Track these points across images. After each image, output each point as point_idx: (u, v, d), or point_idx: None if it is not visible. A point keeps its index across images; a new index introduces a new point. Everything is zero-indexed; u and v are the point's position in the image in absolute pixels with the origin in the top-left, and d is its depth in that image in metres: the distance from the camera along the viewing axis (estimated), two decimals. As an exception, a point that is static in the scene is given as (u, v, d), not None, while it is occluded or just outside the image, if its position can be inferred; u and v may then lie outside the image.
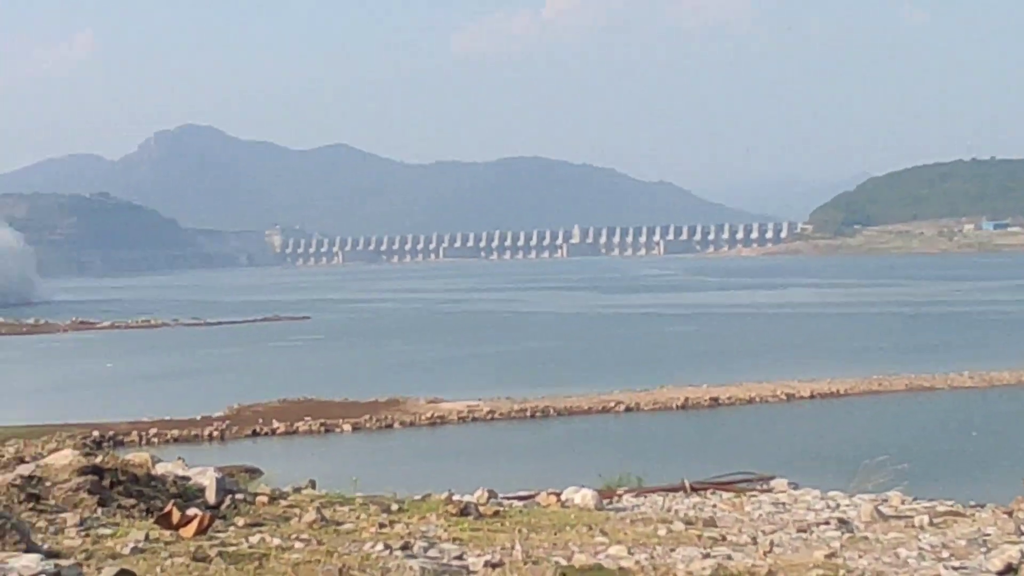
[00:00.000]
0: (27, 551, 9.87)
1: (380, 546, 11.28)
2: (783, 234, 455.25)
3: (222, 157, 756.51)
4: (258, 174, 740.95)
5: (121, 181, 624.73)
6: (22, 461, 14.04)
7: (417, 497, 16.12)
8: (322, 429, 56.75)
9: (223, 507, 13.14)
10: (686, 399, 62.70)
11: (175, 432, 54.75)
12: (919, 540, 12.95)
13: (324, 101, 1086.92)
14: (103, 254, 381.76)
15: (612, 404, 61.30)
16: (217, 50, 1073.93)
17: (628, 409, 60.57)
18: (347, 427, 57.05)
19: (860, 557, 11.57)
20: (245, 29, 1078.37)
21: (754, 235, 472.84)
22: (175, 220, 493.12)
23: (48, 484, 12.57)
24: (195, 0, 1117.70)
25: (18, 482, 12.32)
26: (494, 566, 10.35)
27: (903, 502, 16.96)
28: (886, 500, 16.95)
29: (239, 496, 14.12)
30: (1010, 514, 16.49)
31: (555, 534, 13.13)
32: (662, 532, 13.60)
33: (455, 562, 10.73)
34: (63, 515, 11.60)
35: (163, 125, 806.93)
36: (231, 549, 10.59)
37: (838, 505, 16.47)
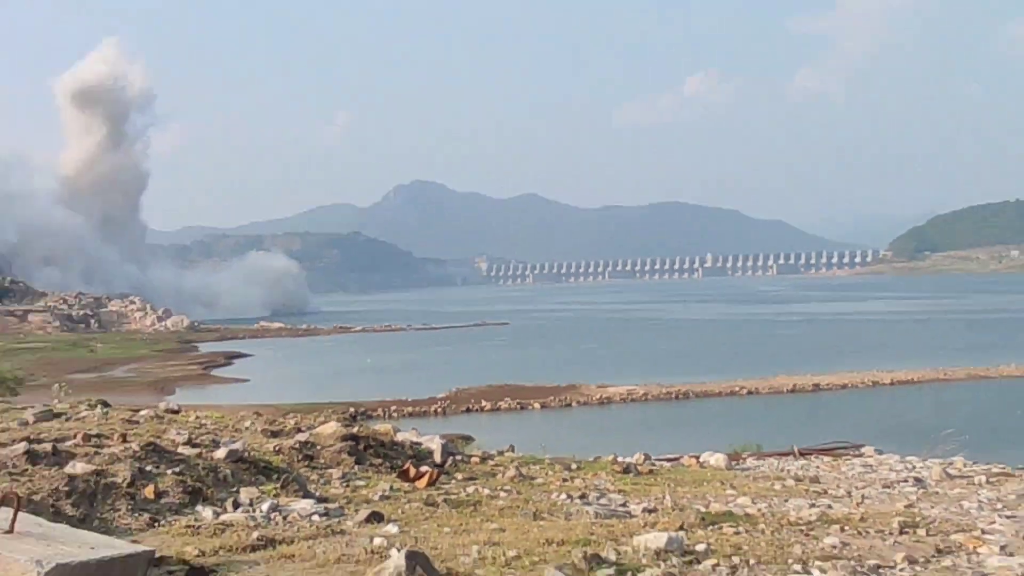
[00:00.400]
0: (304, 497, 10.17)
1: (564, 496, 11.32)
2: (868, 259, 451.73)
3: (444, 204, 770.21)
4: (470, 216, 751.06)
5: (370, 223, 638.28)
6: (299, 430, 14.45)
7: (590, 459, 16.12)
8: (518, 407, 57.34)
9: (446, 465, 13.24)
10: (794, 385, 62.45)
11: (410, 408, 56.01)
12: (978, 495, 12.66)
13: (518, 159, 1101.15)
14: (357, 277, 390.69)
15: (737, 389, 61.38)
16: (441, 122, 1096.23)
17: (749, 393, 60.47)
18: (537, 406, 57.54)
19: (932, 507, 11.30)
20: (459, 108, 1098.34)
21: (846, 260, 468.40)
22: (410, 252, 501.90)
23: (318, 448, 12.83)
24: (424, 90, 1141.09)
25: (296, 446, 12.68)
26: (650, 511, 10.31)
27: (965, 465, 16.52)
28: (952, 463, 16.54)
29: (458, 457, 14.22)
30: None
31: (695, 487, 12.98)
32: (777, 487, 13.33)
33: (620, 508, 10.71)
34: (329, 471, 11.83)
35: (401, 180, 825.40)
36: (453, 497, 10.70)
37: (914, 467, 16.16)
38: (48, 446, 10.55)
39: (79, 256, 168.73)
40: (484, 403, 57.54)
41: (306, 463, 12.10)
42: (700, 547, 7.79)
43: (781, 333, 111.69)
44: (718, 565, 7.30)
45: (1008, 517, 10.65)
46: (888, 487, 13.89)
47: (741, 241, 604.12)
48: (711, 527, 8.96)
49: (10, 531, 6.25)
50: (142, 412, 16.44)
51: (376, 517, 9.15)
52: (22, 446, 10.32)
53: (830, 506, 11.38)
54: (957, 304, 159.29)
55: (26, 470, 9.70)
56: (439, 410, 56.36)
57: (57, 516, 8.15)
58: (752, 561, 7.49)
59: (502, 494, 11.24)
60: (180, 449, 11.56)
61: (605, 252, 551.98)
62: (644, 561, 7.15)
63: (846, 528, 9.36)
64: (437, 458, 13.59)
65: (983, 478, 14.65)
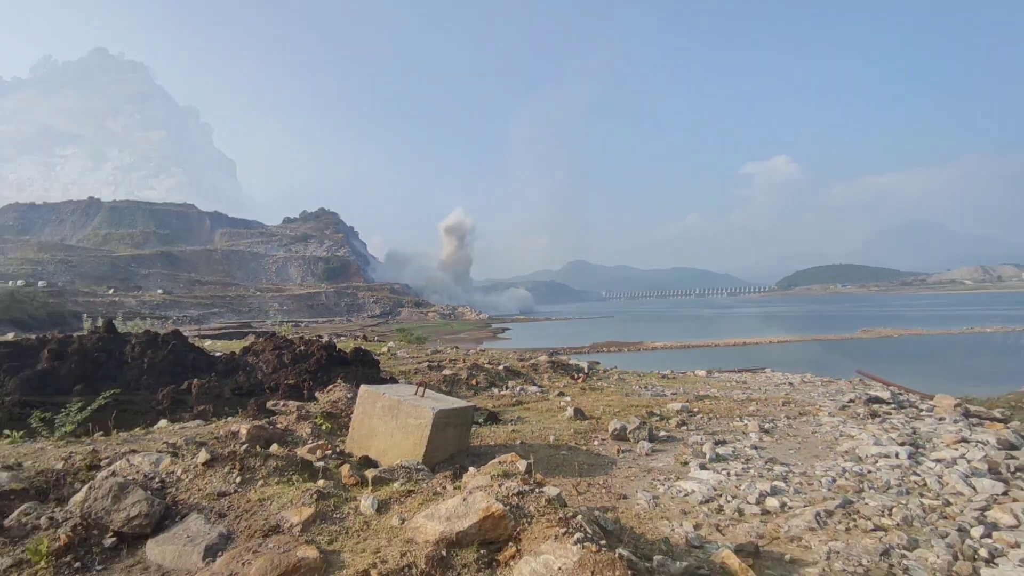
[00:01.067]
0: (531, 384, 24.15)
1: (636, 386, 24.06)
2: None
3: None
4: None
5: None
6: (531, 360, 31.64)
7: (652, 372, 33.73)
8: (625, 349, 77.81)
9: (590, 373, 29.28)
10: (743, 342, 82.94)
11: (574, 350, 77.92)
12: (818, 391, 25.10)
13: None
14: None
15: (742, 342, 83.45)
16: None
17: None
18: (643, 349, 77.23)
19: (797, 395, 23.69)
20: None
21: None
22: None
23: (538, 365, 27.79)
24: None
25: (530, 364, 26.49)
26: (674, 394, 22.91)
27: (812, 377, 29.28)
28: (805, 376, 29.38)
29: (595, 369, 30.77)
30: None
31: (692, 384, 25.28)
32: (728, 385, 25.70)
33: (661, 392, 23.40)
34: (542, 375, 27.46)
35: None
36: (591, 386, 23.97)
37: (788, 378, 28.76)
38: (435, 363, 26.07)
39: (446, 290, 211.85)
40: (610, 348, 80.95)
41: (532, 371, 26.77)
42: (695, 409, 20.07)
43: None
44: (702, 416, 19.40)
45: (831, 400, 21.98)
46: (776, 386, 25.67)
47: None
48: (699, 401, 21.35)
49: (422, 395, 14.51)
50: (470, 351, 32.77)
51: (561, 394, 22.60)
52: (426, 364, 26.33)
53: (751, 394, 23.39)
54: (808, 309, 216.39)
55: (427, 373, 24.58)
56: (588, 350, 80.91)
57: (439, 391, 21.99)
58: (718, 416, 19.54)
59: (611, 386, 24.47)
60: (485, 365, 26.77)
61: None
62: (671, 415, 19.39)
63: (758, 403, 21.22)
64: (585, 369, 27.56)
65: (819, 382, 26.77)
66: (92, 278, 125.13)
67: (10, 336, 34.81)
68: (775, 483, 12.87)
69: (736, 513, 11.82)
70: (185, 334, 27.24)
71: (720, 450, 15.09)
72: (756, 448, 15.40)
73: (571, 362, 29.39)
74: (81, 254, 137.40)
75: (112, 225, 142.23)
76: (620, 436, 16.39)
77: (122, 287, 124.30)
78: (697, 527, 11.28)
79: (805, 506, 11.96)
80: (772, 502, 12.10)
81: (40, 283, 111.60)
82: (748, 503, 12.12)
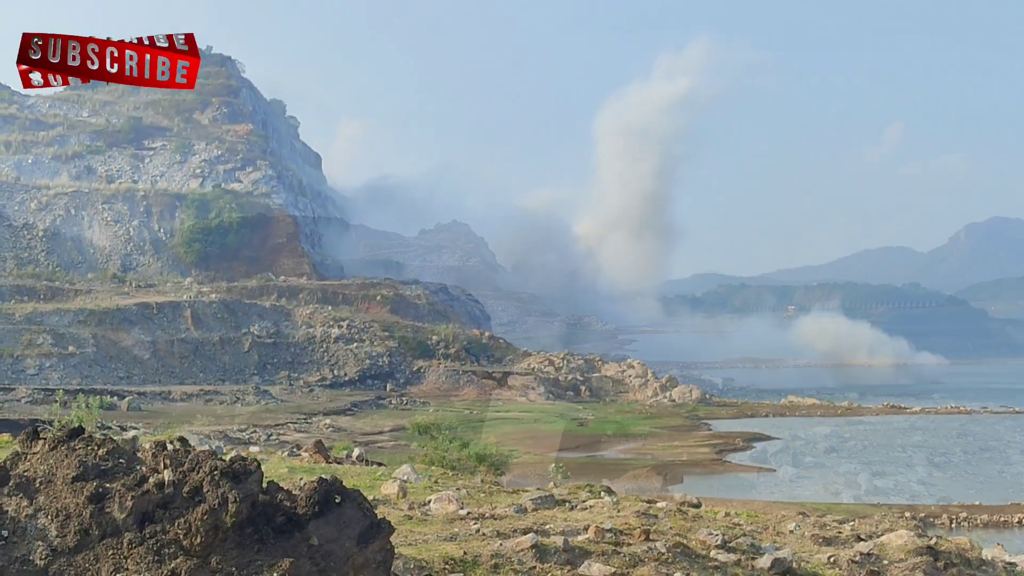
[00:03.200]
0: None
1: None
2: None
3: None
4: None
5: (931, 272, 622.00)
6: (859, 538, 14.33)
7: None
8: None
9: None
10: None
11: (984, 517, 52.32)
12: None
13: None
14: (914, 341, 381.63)
15: None
16: (1000, 144, 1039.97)
17: None
18: None
19: None
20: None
21: None
22: (985, 310, 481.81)
23: (885, 562, 13.06)
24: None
25: (857, 558, 12.91)
26: None
27: None
28: None
29: None
30: None
31: None
32: None
33: None
34: None
35: (974, 218, 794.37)
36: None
37: None
38: (558, 540, 11.86)
39: (572, 298, 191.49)
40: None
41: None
42: None
43: None
44: None
45: None
46: None
47: None
48: None
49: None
50: (659, 504, 16.15)
51: None
52: (528, 539, 11.75)
53: None
54: None
55: (534, 567, 11.12)
56: (1025, 520, 52.27)
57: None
58: None
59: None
60: (713, 553, 12.39)
61: None
62: None
63: None
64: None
65: None
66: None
67: None
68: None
69: None
70: None
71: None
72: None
73: (989, 555, 14.02)
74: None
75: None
76: None
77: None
78: None
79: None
80: None
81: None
82: None
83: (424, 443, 47.72)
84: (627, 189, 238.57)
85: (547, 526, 13.02)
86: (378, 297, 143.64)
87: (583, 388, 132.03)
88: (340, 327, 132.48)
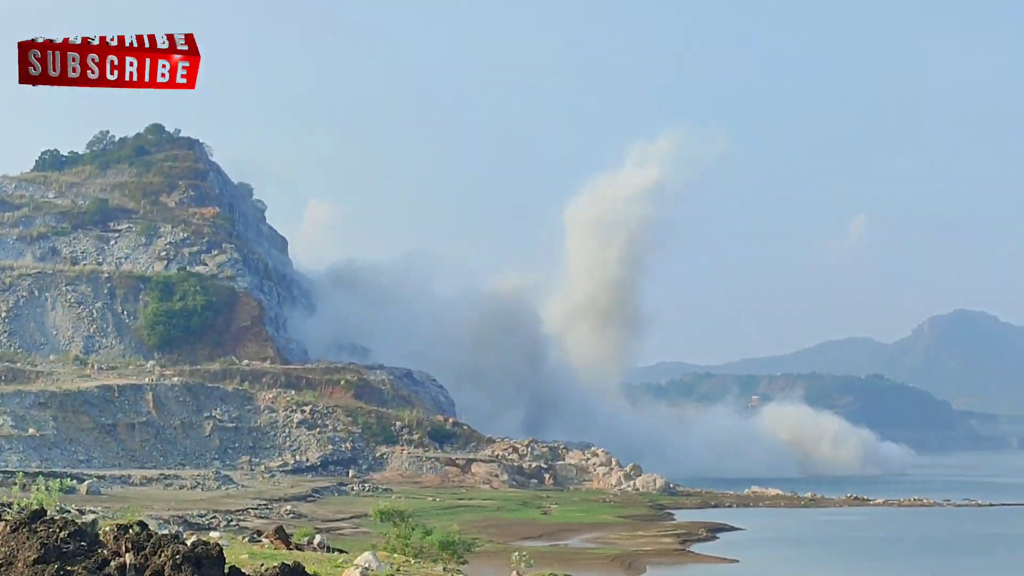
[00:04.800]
0: None
1: None
2: None
3: (995, 342, 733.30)
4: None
5: (895, 364, 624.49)
6: None
7: None
8: None
9: None
10: None
11: None
12: None
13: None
14: (881, 432, 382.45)
15: None
16: (992, 242, 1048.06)
17: None
18: None
19: None
20: (1016, 223, 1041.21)
21: None
22: (947, 402, 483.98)
23: None
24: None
25: None
26: None
27: None
28: None
29: None
30: None
31: None
32: None
33: None
34: None
35: (937, 311, 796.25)
36: None
37: None
38: None
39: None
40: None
41: None
42: None
43: None
44: None
45: None
46: None
47: None
48: None
49: None
50: None
51: None
52: None
53: None
54: None
55: None
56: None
57: None
58: None
59: None
60: None
61: None
62: None
63: None
64: None
65: None
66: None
67: None
68: None
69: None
70: None
71: None
72: None
73: None
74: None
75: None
76: None
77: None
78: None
79: None
80: None
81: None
82: None
83: (386, 530, 47.47)
84: (594, 277, 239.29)
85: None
86: (342, 382, 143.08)
87: (547, 475, 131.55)
88: (303, 412, 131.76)
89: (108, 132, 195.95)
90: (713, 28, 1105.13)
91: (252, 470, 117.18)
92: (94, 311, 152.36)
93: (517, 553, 38.47)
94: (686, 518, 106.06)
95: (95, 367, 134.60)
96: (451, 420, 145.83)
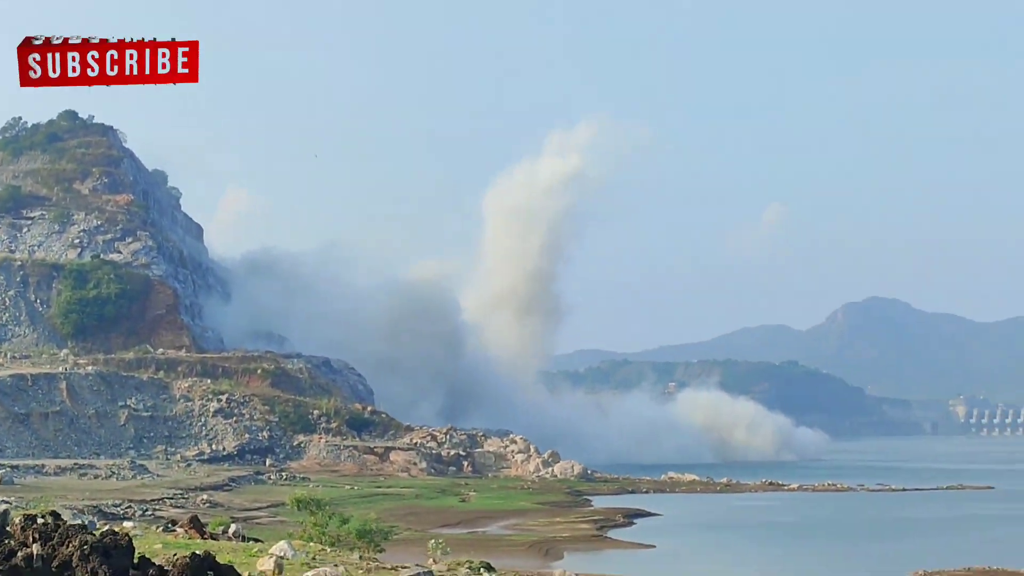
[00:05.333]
0: None
1: None
2: None
3: (908, 329, 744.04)
4: (942, 345, 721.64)
5: (809, 350, 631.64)
6: None
7: None
8: None
9: None
10: None
11: None
12: None
13: (1009, 273, 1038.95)
14: (795, 418, 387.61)
15: None
16: (902, 222, 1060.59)
17: None
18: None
19: None
20: (934, 201, 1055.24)
21: None
22: (861, 388, 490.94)
23: None
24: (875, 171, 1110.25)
25: None
26: None
27: None
28: None
29: None
30: None
31: None
32: None
33: None
34: None
35: (850, 297, 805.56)
36: None
37: None
38: None
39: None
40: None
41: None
42: None
43: None
44: None
45: None
46: None
47: None
48: None
49: None
50: None
51: None
52: None
53: None
54: None
55: None
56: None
57: None
58: None
59: None
60: None
61: None
62: None
63: None
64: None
65: None
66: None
67: None
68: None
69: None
70: None
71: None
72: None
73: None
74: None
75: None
76: None
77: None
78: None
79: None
80: None
81: None
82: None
83: (303, 519, 47.34)
84: (514, 266, 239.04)
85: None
86: (259, 370, 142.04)
87: (466, 463, 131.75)
88: (219, 401, 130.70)
89: (20, 119, 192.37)
90: (634, 17, 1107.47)
91: (168, 459, 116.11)
92: (7, 299, 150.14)
93: (434, 541, 38.45)
94: (603, 504, 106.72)
95: (8, 356, 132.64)
96: (369, 408, 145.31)
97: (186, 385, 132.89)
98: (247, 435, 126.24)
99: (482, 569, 18.41)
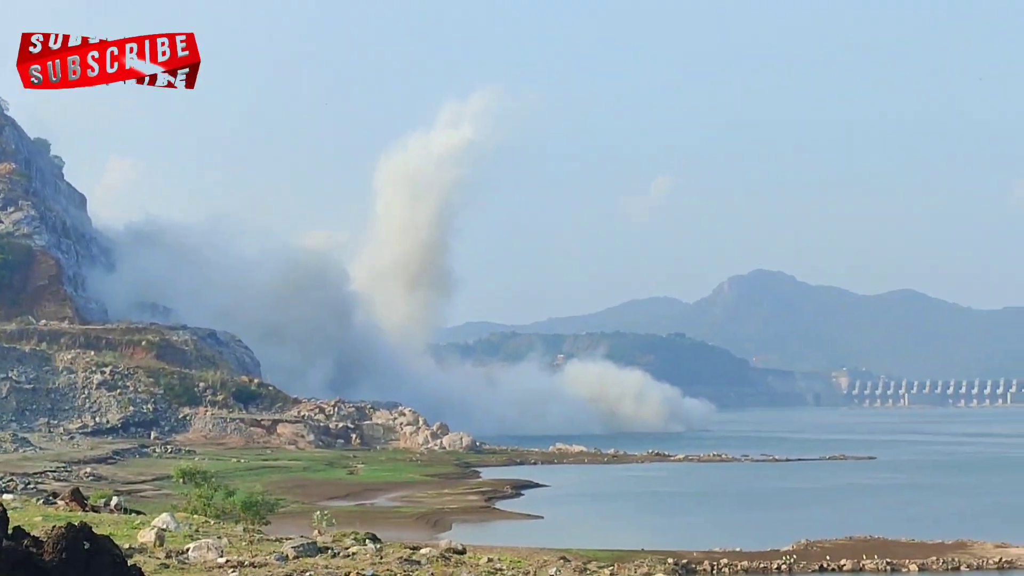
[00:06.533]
0: None
1: None
2: None
3: (792, 301, 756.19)
4: (826, 318, 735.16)
5: (695, 322, 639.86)
6: None
7: None
8: (888, 568, 53.86)
9: None
10: None
11: (745, 563, 53.72)
12: None
13: (891, 248, 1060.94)
14: (680, 390, 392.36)
15: None
16: (788, 197, 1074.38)
17: None
18: (913, 567, 53.90)
19: None
20: (820, 176, 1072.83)
21: None
22: (746, 360, 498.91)
23: None
24: (762, 151, 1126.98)
25: None
26: None
27: None
28: None
29: None
30: None
31: None
32: None
33: None
34: None
35: (736, 271, 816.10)
36: None
37: None
38: None
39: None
40: (843, 561, 54.59)
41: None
42: None
43: None
44: None
45: None
46: None
47: None
48: None
49: None
50: (422, 551, 16.25)
51: None
52: None
53: None
54: None
55: None
56: (783, 567, 53.85)
57: None
58: None
59: None
60: None
61: (1007, 367, 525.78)
62: None
63: None
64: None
65: None
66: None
67: None
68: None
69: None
70: None
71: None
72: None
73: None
74: None
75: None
76: None
77: None
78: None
79: None
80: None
81: None
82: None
83: (188, 491, 46.99)
84: (405, 237, 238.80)
85: (307, 573, 12.91)
86: (143, 342, 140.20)
87: (354, 436, 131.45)
88: (103, 373, 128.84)
89: None
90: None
91: (51, 432, 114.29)
92: None
93: (319, 512, 38.43)
94: (492, 476, 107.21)
95: None
96: (256, 381, 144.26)
97: (69, 357, 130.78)
98: (131, 408, 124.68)
99: (367, 540, 18.54)
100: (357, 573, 12.94)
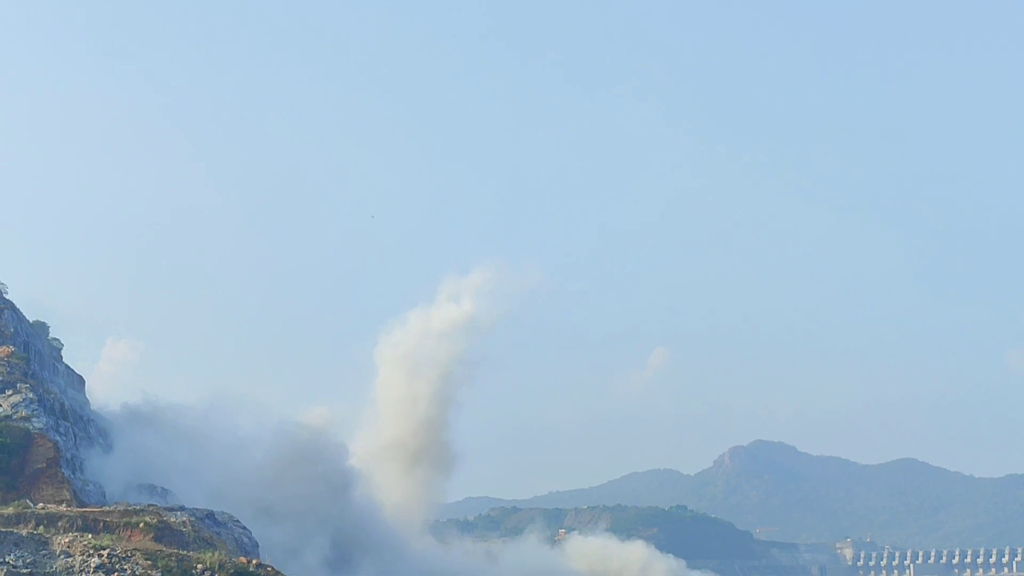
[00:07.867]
0: None
1: None
2: None
3: (794, 472, 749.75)
4: (829, 488, 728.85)
5: (697, 494, 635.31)
6: None
7: None
8: None
9: None
10: None
11: None
12: None
13: (891, 418, 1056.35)
14: (686, 562, 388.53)
15: None
16: (788, 373, 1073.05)
17: None
18: None
19: None
20: (810, 354, 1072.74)
21: None
22: (750, 532, 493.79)
23: None
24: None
25: None
26: None
27: None
28: None
29: None
30: None
31: None
32: None
33: None
34: None
35: (738, 441, 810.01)
36: None
37: None
38: None
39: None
40: None
41: None
42: None
43: None
44: None
45: None
46: None
47: None
48: None
49: None
50: None
51: None
52: None
53: None
54: None
55: None
56: None
57: None
58: None
59: None
60: None
61: (1012, 535, 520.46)
62: None
63: None
64: None
65: None
66: None
67: None
68: None
69: None
70: None
71: None
72: None
73: None
74: None
75: None
76: None
77: None
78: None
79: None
80: None
81: None
82: None
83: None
84: (404, 415, 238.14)
85: None
86: (141, 524, 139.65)
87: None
88: (100, 556, 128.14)
89: None
90: (519, 157, 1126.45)
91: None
92: None
93: None
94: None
95: None
96: (255, 561, 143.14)
97: (66, 540, 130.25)
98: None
99: None
100: None
